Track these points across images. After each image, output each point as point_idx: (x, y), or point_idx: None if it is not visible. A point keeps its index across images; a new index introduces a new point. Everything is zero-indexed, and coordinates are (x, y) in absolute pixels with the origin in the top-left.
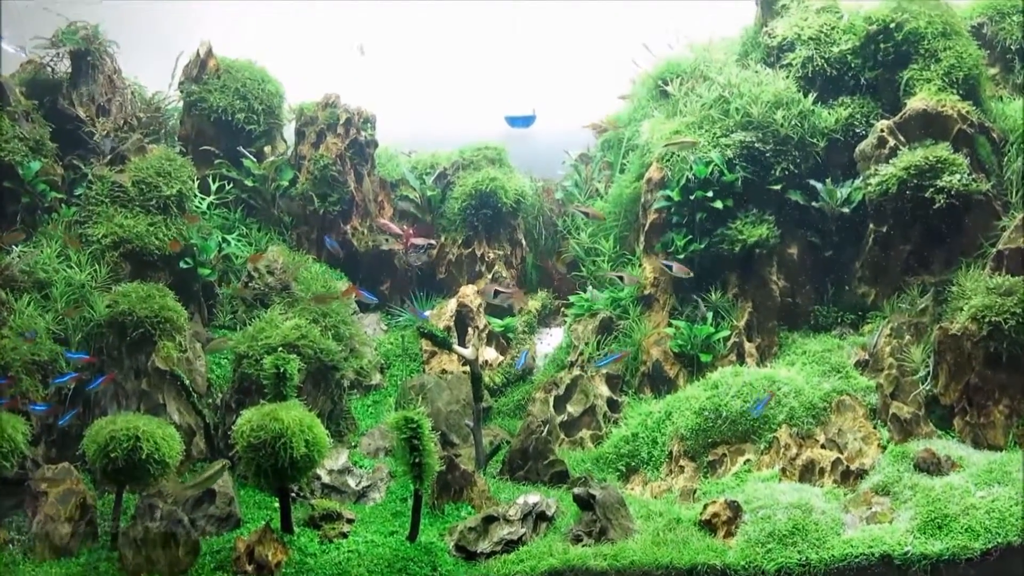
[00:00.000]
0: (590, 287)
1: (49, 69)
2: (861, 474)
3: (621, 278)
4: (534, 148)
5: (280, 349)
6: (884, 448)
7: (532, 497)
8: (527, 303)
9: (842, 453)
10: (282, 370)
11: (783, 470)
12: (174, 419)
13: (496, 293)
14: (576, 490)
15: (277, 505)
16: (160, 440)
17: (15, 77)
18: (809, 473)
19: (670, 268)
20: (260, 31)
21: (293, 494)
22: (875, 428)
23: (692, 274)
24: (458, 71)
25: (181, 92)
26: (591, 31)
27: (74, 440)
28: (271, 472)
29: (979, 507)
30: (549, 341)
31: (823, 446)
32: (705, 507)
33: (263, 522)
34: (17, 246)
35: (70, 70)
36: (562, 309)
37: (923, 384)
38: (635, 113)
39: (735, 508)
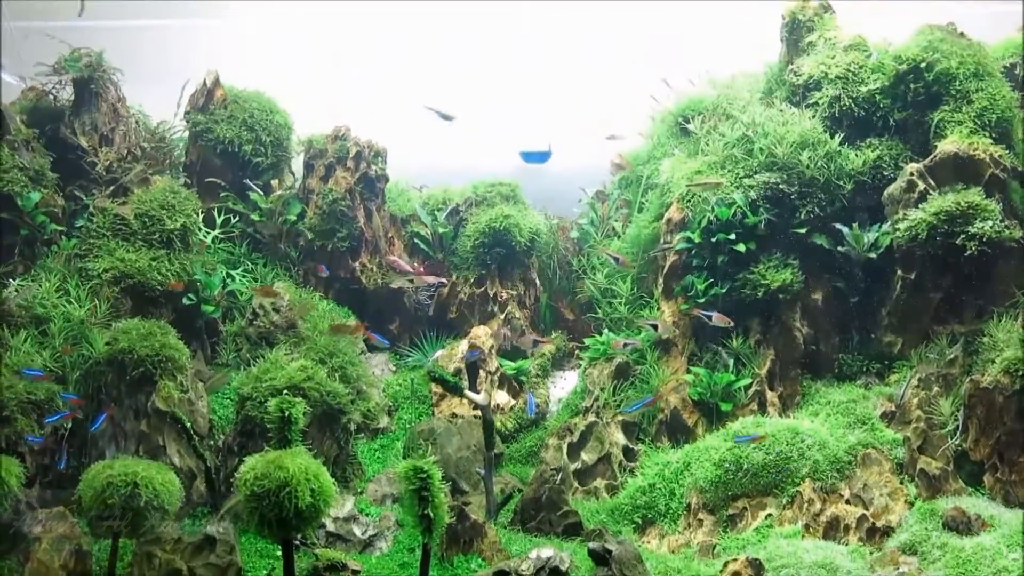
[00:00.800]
0: (606, 330)
1: (51, 97)
2: (887, 531)
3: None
4: (549, 184)
5: (285, 391)
6: (911, 504)
7: (545, 551)
8: (554, 347)
9: (868, 509)
10: (287, 414)
11: (806, 526)
12: (174, 462)
13: (535, 343)
14: (591, 544)
15: (280, 554)
16: (159, 486)
17: (16, 105)
18: (833, 530)
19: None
20: (269, 61)
21: (297, 543)
22: (902, 483)
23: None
24: (472, 104)
25: (187, 122)
26: (609, 66)
27: (70, 482)
28: (275, 522)
29: (1011, 570)
30: (563, 385)
31: (848, 501)
32: (725, 565)
33: (265, 573)
34: (15, 280)
35: (72, 98)
36: (576, 352)
37: (952, 438)
38: (654, 151)
39: (757, 566)
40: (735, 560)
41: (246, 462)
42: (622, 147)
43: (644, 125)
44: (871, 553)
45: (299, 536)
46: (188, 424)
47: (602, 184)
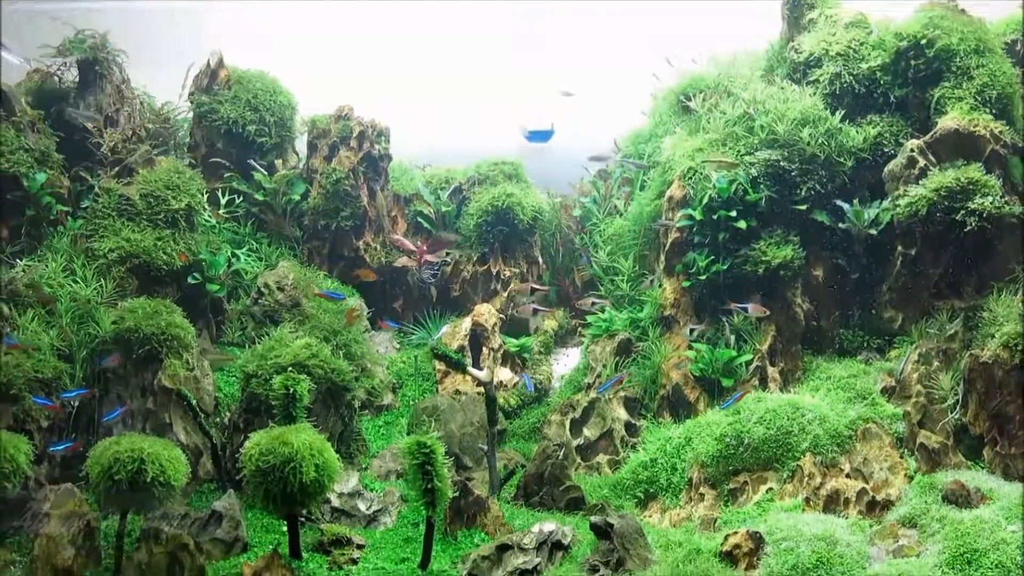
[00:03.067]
0: (609, 307)
1: (56, 78)
2: (887, 505)
3: (746, 309)
4: (552, 162)
5: (290, 369)
6: (911, 478)
7: (548, 525)
8: (544, 322)
9: (868, 483)
10: (292, 391)
11: (807, 500)
12: (180, 439)
13: (535, 311)
14: (593, 518)
15: (285, 529)
16: (165, 462)
17: (21, 86)
18: (833, 503)
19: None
20: (273, 40)
21: (302, 518)
22: (902, 457)
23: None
24: (475, 84)
25: (191, 103)
26: (611, 44)
27: (78, 459)
28: (280, 498)
29: (1010, 542)
30: (566, 362)
31: (848, 475)
32: (726, 538)
33: (271, 547)
34: (21, 260)
35: (77, 80)
36: (579, 329)
37: (952, 412)
38: (656, 129)
39: (757, 539)
40: (735, 533)
41: (251, 438)
42: (624, 125)
43: (646, 103)
44: (871, 526)
45: (304, 511)
46: (194, 401)
47: (604, 163)
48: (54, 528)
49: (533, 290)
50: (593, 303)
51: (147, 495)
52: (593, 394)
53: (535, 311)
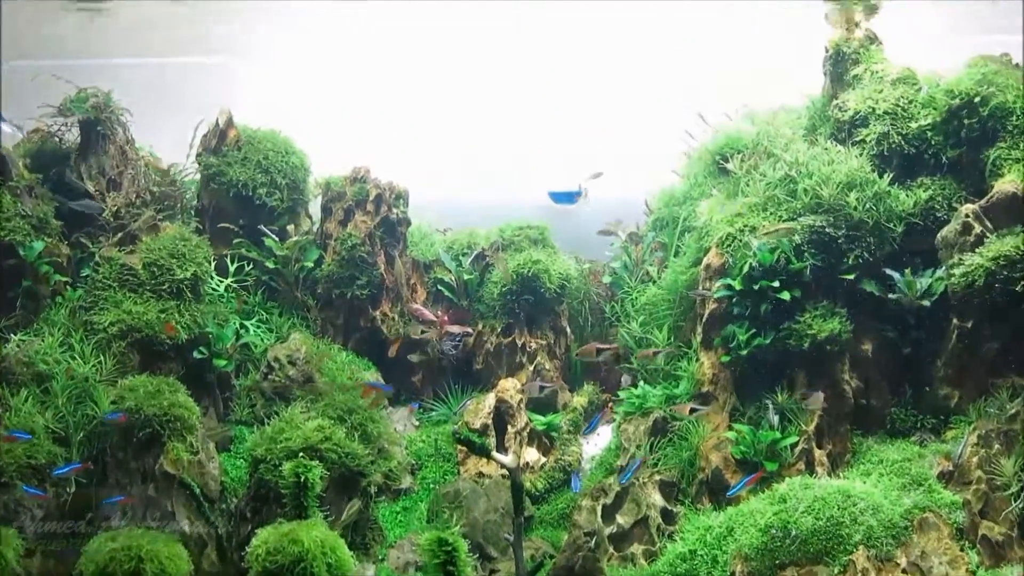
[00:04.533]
0: (642, 382)
1: (56, 139)
2: None
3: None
4: (578, 224)
5: (301, 454)
6: (974, 574)
7: None
8: (570, 397)
9: None
10: (303, 478)
11: None
12: (184, 528)
13: (541, 388)
14: None
15: None
16: (165, 560)
17: (19, 148)
18: None
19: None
20: (285, 98)
21: None
22: (963, 550)
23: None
24: (498, 144)
25: (199, 164)
26: (641, 100)
27: (75, 550)
28: None
29: None
30: (596, 442)
31: (904, 571)
32: None
33: None
34: (16, 334)
35: (79, 140)
36: (610, 405)
37: (1016, 501)
38: (691, 191)
39: None
40: None
41: (258, 534)
42: (657, 187)
43: (679, 162)
44: None
45: None
46: (197, 489)
47: (635, 225)
48: None
49: (542, 388)
50: (599, 351)
51: None
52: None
53: (541, 388)
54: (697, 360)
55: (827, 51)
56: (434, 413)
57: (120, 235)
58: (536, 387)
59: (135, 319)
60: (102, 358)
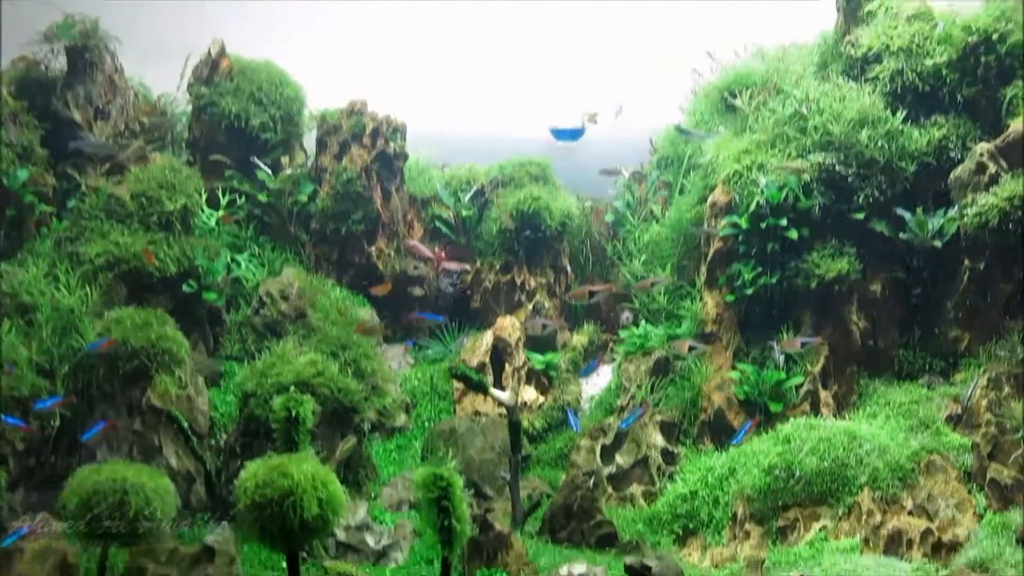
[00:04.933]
0: (643, 321)
1: (42, 67)
2: (955, 547)
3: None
4: (581, 162)
5: (292, 388)
6: (981, 517)
7: (577, 567)
8: (569, 336)
9: (932, 522)
10: (294, 413)
11: (865, 540)
12: (171, 464)
13: (544, 326)
14: (628, 560)
15: (285, 565)
16: (151, 493)
17: (4, 76)
18: (895, 544)
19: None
20: (280, 29)
21: (304, 555)
22: (970, 493)
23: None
24: (500, 78)
25: (190, 95)
26: (648, 36)
27: (59, 485)
28: (278, 535)
29: None
30: (596, 381)
31: (911, 513)
32: None
33: None
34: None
35: (66, 68)
36: (611, 345)
37: None
38: (697, 128)
39: None
40: None
41: (247, 468)
42: (663, 127)
43: (685, 100)
44: (937, 571)
45: (306, 548)
46: (185, 424)
47: (639, 164)
48: (27, 564)
49: (544, 326)
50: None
51: (130, 529)
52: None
53: (544, 327)
54: (700, 299)
55: None
56: (430, 351)
57: (108, 165)
58: (538, 324)
59: (122, 250)
60: (88, 290)
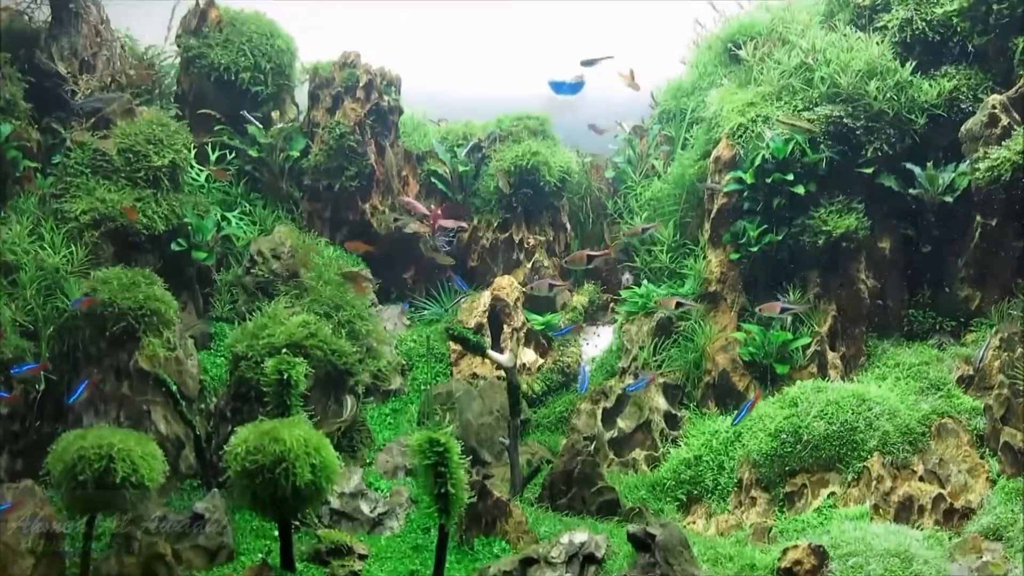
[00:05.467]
0: (645, 280)
1: (26, 17)
2: (967, 514)
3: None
4: (582, 118)
5: (284, 350)
6: (994, 482)
7: (578, 535)
8: (570, 296)
9: (944, 488)
10: (286, 376)
11: (875, 507)
12: (160, 428)
13: (551, 287)
14: (631, 528)
15: (277, 534)
16: (138, 459)
17: None
18: (906, 511)
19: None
20: None
21: (296, 523)
22: (983, 458)
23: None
24: (497, 28)
25: (178, 47)
26: None
27: (44, 450)
28: (270, 503)
29: None
30: (596, 343)
31: (922, 478)
32: (784, 552)
33: (260, 556)
34: None
35: (50, 19)
36: (612, 305)
37: None
38: (700, 81)
39: (821, 555)
40: (795, 547)
41: (237, 433)
42: (664, 81)
43: (687, 52)
44: (950, 539)
45: (299, 516)
46: (174, 387)
47: (640, 118)
48: (10, 532)
49: (551, 286)
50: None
51: (117, 497)
52: (629, 380)
53: (551, 287)
54: (704, 258)
55: None
56: (426, 312)
57: (94, 119)
58: (545, 285)
59: (109, 207)
60: (73, 248)
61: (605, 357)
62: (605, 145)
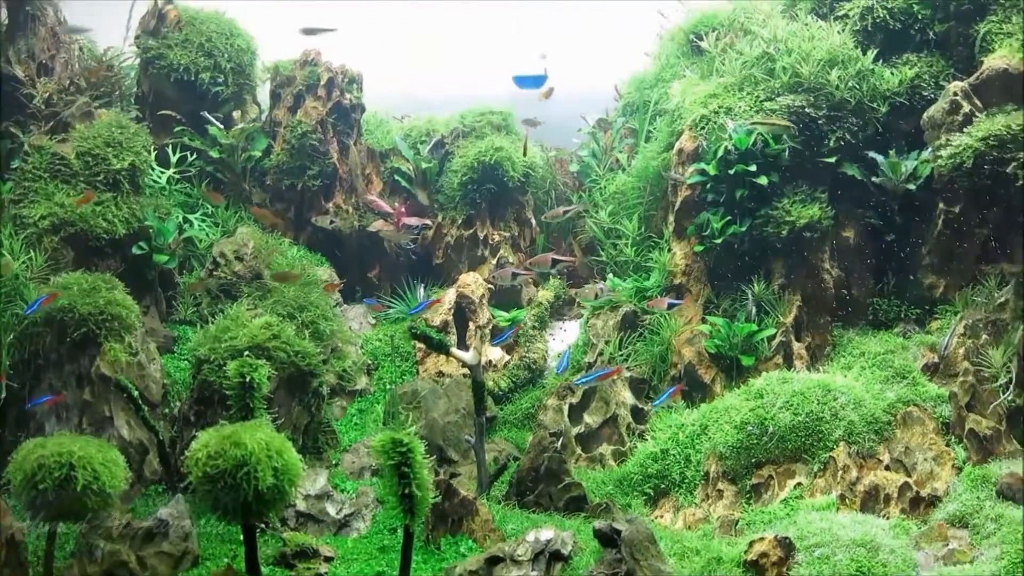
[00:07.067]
0: (610, 274)
1: None
2: (933, 502)
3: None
4: (545, 112)
5: (247, 353)
6: (960, 470)
7: (545, 532)
8: (535, 291)
9: (910, 476)
10: (248, 379)
11: (842, 497)
12: (123, 434)
13: (514, 275)
14: (597, 524)
15: (242, 538)
16: (99, 467)
17: None
18: (872, 500)
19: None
20: None
21: (261, 526)
22: (948, 446)
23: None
24: (459, 24)
25: (137, 47)
26: None
27: (4, 459)
28: (232, 508)
29: None
30: (563, 337)
31: (888, 467)
32: (751, 545)
33: (225, 561)
34: None
35: (5, 21)
36: (578, 300)
37: (1005, 393)
38: (663, 73)
39: (787, 546)
40: (762, 539)
41: (198, 438)
42: (626, 70)
43: (650, 44)
44: (916, 527)
45: (263, 520)
46: (136, 393)
47: (604, 111)
48: None
49: (515, 275)
50: (600, 290)
51: (79, 505)
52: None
53: (514, 275)
54: (669, 250)
55: None
56: (391, 310)
57: (52, 123)
58: (508, 275)
59: (68, 212)
60: (32, 254)
61: (572, 352)
62: (569, 139)
